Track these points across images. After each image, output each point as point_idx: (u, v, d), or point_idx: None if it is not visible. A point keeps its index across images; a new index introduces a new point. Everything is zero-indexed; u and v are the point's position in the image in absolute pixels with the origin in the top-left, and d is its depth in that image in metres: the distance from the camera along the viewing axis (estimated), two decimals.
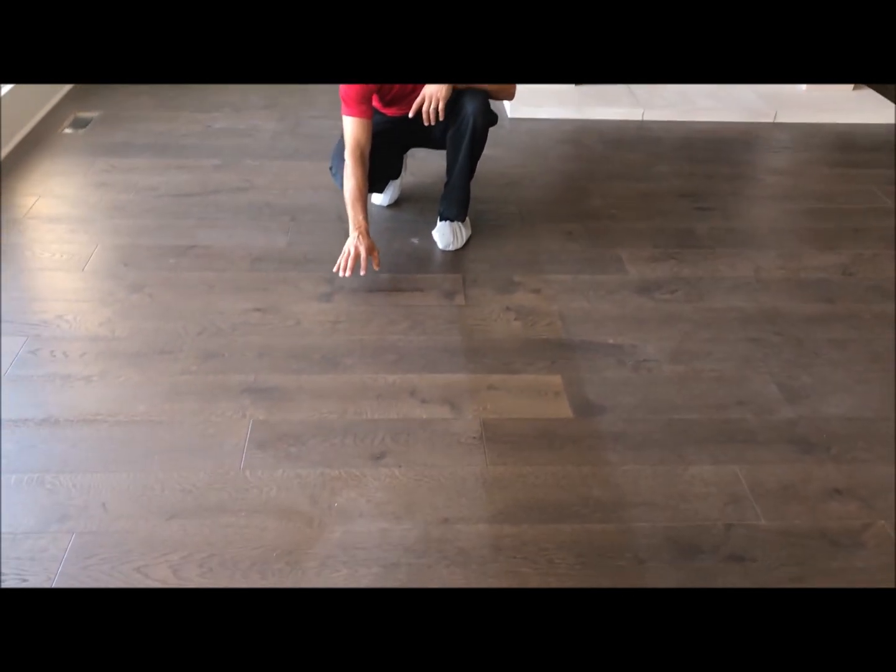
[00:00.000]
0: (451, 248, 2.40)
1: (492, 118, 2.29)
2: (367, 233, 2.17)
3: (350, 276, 2.14)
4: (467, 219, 2.46)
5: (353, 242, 2.15)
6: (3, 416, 1.71)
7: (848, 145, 3.21)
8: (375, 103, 2.27)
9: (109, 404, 1.76)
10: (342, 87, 2.16)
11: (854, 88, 3.59)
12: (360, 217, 2.18)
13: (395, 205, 2.62)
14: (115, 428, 1.70)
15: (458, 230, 2.41)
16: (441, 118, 2.17)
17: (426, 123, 2.20)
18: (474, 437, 1.73)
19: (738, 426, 1.79)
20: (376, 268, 2.19)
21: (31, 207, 2.50)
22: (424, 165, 2.83)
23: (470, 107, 2.20)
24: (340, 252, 2.13)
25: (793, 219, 2.68)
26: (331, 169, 2.39)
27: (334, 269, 2.17)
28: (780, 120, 3.37)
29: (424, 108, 2.16)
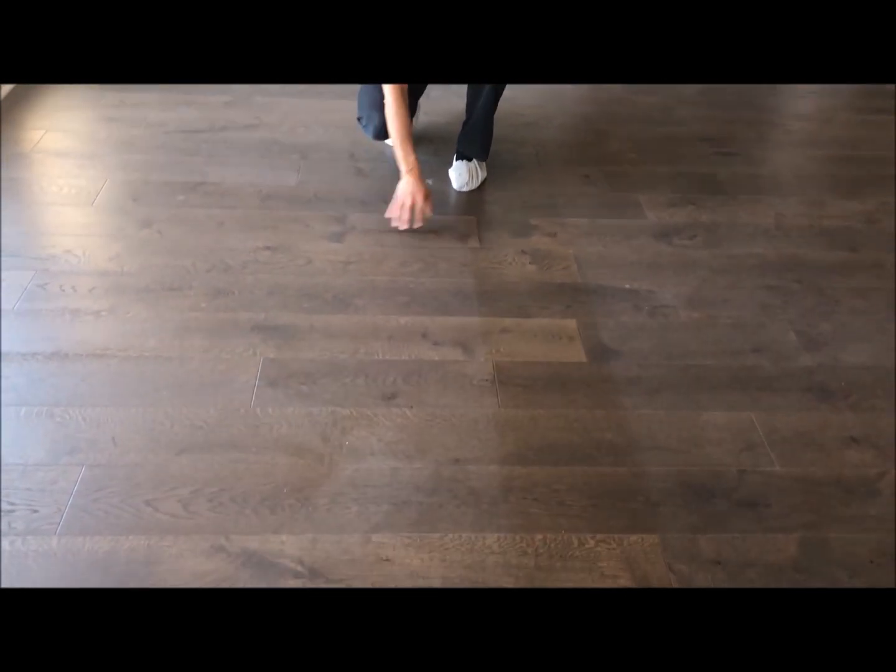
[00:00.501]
0: (466, 188, 2.35)
1: None
2: (420, 175, 2.12)
3: (405, 228, 2.12)
4: (484, 161, 2.40)
5: (409, 189, 2.11)
6: (13, 350, 1.70)
7: (875, 91, 3.12)
8: None
9: (119, 339, 1.74)
10: None
11: None
12: (412, 157, 2.12)
13: None
14: (125, 363, 1.69)
15: (474, 170, 2.35)
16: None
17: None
18: (486, 380, 1.71)
19: (754, 373, 1.76)
20: (430, 214, 2.14)
21: (38, 141, 2.45)
22: (438, 105, 2.77)
23: None
24: (352, 191, 2.09)
25: (817, 165, 2.61)
26: (359, 120, 2.33)
27: (386, 215, 2.14)
28: None
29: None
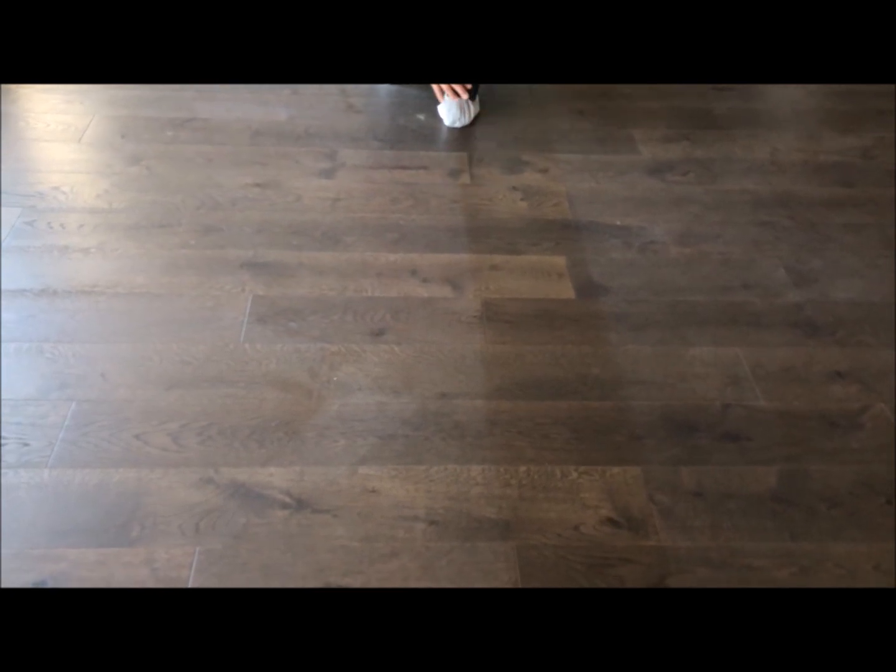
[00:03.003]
0: (457, 125, 2.32)
1: None
2: None
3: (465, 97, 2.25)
4: (476, 96, 2.37)
5: None
6: (1, 287, 1.70)
7: None
8: None
9: (108, 276, 1.75)
10: None
11: None
12: None
13: None
14: (114, 300, 1.69)
15: (465, 106, 2.32)
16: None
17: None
18: (474, 316, 1.71)
19: (742, 309, 1.76)
20: (464, 96, 2.24)
21: None
22: None
23: None
24: (343, 126, 2.07)
25: (815, 100, 2.56)
26: None
27: (438, 95, 2.26)
28: None
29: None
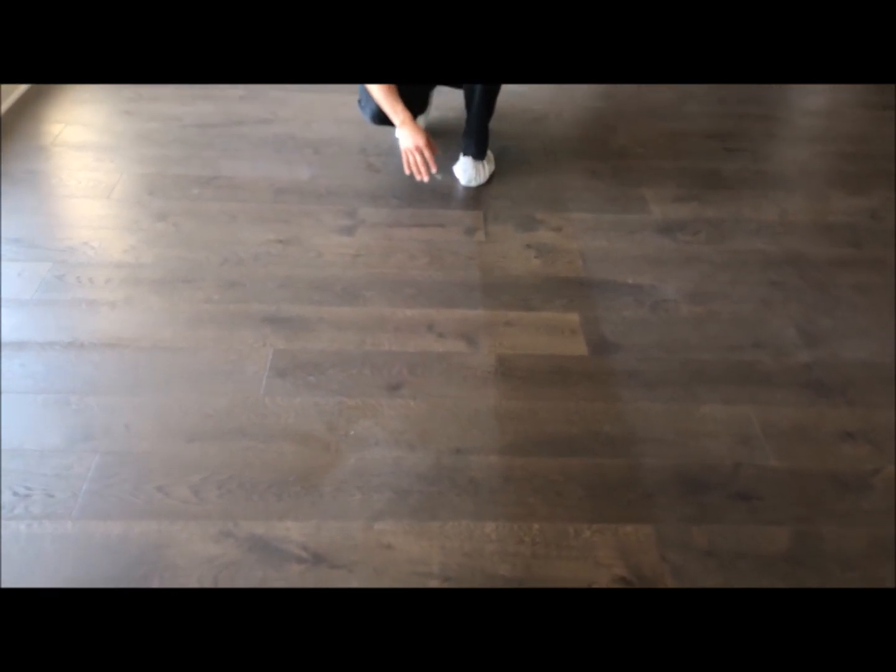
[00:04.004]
0: (473, 183, 2.38)
1: None
2: (415, 123, 2.18)
3: (428, 179, 2.21)
4: (490, 154, 2.44)
5: (413, 141, 2.17)
6: (32, 339, 1.76)
7: (885, 87, 3.11)
8: None
9: (133, 329, 1.80)
10: None
11: None
12: (400, 108, 2.18)
13: None
14: (139, 353, 1.75)
15: (480, 166, 2.39)
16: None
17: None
18: (489, 372, 1.75)
19: (753, 368, 1.79)
20: (433, 169, 2.20)
21: (58, 135, 2.51)
22: (449, 100, 2.79)
23: None
24: (363, 185, 2.13)
25: (824, 161, 2.62)
26: (359, 102, 2.37)
27: (406, 172, 2.22)
28: None
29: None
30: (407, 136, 2.17)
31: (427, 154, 2.17)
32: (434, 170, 2.19)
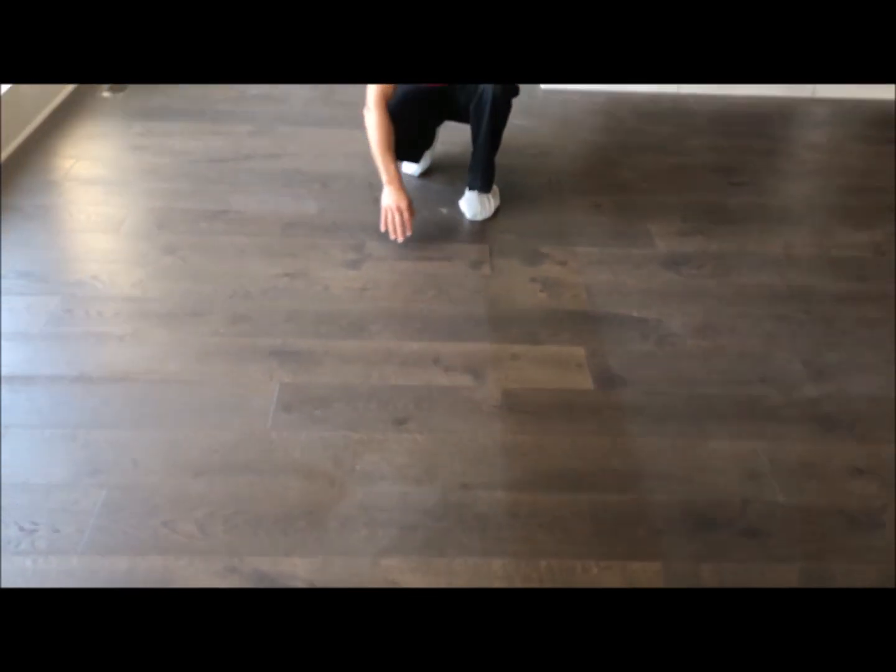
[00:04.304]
0: (478, 217, 2.40)
1: (512, 90, 2.28)
2: (402, 185, 2.21)
3: (402, 240, 2.21)
4: (496, 188, 2.46)
5: (394, 201, 2.19)
6: (39, 373, 1.77)
7: (887, 121, 3.13)
8: None
9: (141, 363, 1.81)
10: None
11: None
12: (392, 167, 2.22)
13: (425, 173, 2.62)
14: (147, 386, 1.75)
15: (485, 200, 2.41)
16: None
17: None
18: (495, 406, 1.75)
19: (760, 403, 1.79)
20: (409, 233, 2.21)
21: (69, 169, 2.54)
22: (455, 135, 2.81)
23: None
24: (370, 219, 2.15)
25: (827, 195, 2.64)
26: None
27: (382, 229, 2.23)
28: (818, 95, 3.29)
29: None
30: (391, 195, 2.20)
31: (406, 216, 2.19)
32: (409, 233, 2.21)
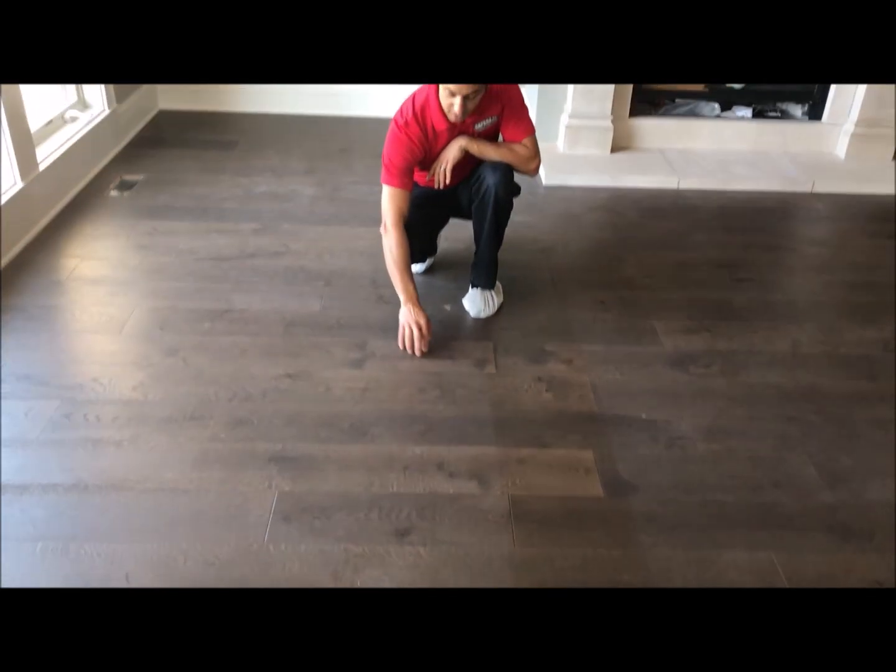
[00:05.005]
0: (482, 315, 2.39)
1: (514, 189, 2.30)
2: (419, 304, 2.21)
3: (420, 356, 2.20)
4: (499, 285, 2.46)
5: (413, 318, 2.18)
6: (34, 482, 1.73)
7: (888, 216, 3.16)
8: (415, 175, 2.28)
9: (138, 471, 1.77)
10: (386, 155, 2.19)
11: (894, 158, 3.55)
12: (411, 287, 2.22)
13: (427, 271, 2.63)
14: (143, 495, 1.71)
15: (489, 298, 2.41)
16: (448, 181, 2.23)
17: (435, 187, 2.26)
18: (502, 515, 1.70)
19: (773, 510, 1.73)
20: (426, 349, 2.20)
21: (73, 269, 2.56)
22: (457, 232, 2.84)
23: (491, 179, 2.21)
24: (373, 317, 2.15)
25: (832, 291, 2.63)
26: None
27: (399, 346, 2.21)
28: (817, 190, 3.34)
29: (435, 172, 2.23)
30: (410, 313, 2.19)
31: (425, 333, 2.18)
32: (426, 350, 2.20)
